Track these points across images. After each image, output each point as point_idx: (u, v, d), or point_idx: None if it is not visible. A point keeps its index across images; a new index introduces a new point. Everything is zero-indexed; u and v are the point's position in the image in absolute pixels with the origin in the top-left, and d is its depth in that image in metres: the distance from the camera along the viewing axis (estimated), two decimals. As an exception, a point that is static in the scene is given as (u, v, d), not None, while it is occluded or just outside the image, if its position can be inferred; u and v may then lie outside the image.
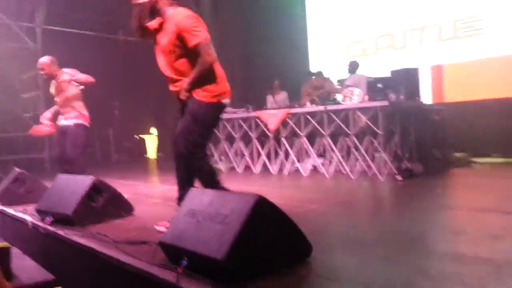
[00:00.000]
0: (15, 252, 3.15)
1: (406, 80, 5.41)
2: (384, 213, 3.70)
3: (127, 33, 10.19)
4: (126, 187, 5.16)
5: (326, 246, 2.47)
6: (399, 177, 4.86)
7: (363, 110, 5.15)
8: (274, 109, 6.27)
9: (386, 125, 5.09)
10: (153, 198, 4.63)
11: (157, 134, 12.13)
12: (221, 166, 7.08)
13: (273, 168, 6.34)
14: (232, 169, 6.96)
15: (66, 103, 4.70)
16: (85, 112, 4.72)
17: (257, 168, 6.56)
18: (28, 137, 9.04)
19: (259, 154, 6.56)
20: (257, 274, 1.92)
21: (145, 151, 12.02)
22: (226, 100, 3.02)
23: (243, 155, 6.81)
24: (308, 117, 5.77)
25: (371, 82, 5.58)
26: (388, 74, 6.06)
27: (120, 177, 6.65)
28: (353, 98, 5.19)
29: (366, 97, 5.15)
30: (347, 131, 5.37)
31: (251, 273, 1.90)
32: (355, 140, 5.29)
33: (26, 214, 3.79)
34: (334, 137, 5.79)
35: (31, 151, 9.12)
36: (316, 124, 5.67)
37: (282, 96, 7.66)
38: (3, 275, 2.20)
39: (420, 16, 7.76)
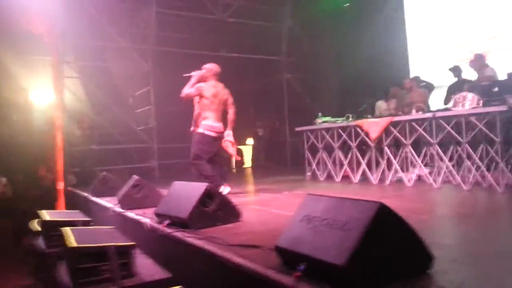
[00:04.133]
0: (136, 251, 3.45)
1: (528, 82, 4.90)
2: (507, 225, 3.36)
3: (229, 50, 10.71)
4: (228, 194, 5.36)
5: (445, 258, 2.31)
6: (520, 188, 4.41)
7: (477, 116, 4.76)
8: (379, 117, 6.07)
9: (505, 132, 4.64)
10: (254, 205, 4.75)
11: (253, 144, 12.48)
12: (318, 174, 7.06)
13: (374, 178, 6.13)
14: (330, 178, 6.88)
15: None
16: None
17: (356, 177, 6.40)
18: (140, 148, 9.92)
19: (358, 163, 6.40)
20: (377, 284, 1.86)
21: (242, 161, 12.41)
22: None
23: (342, 164, 6.69)
24: (414, 124, 5.49)
25: (486, 86, 5.15)
26: (503, 77, 5.57)
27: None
28: (466, 103, 4.83)
29: (481, 102, 4.75)
30: (459, 139, 4.99)
31: (371, 282, 1.85)
32: (469, 148, 4.90)
33: (145, 217, 4.14)
34: (442, 145, 5.43)
35: (142, 161, 9.95)
36: (423, 132, 5.37)
37: (393, 103, 7.39)
38: None
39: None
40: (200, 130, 5.15)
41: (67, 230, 3.35)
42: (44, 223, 4.34)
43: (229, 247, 2.75)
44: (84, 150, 8.96)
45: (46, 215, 4.43)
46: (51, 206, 7.86)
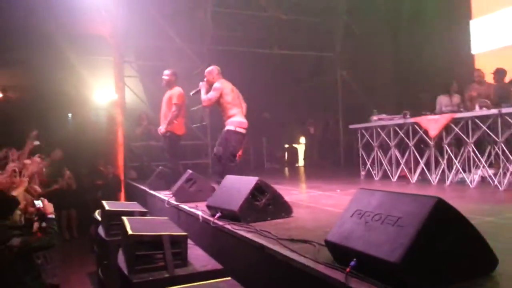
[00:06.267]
0: (189, 242, 3.53)
1: None
2: None
3: (282, 47, 10.69)
4: (280, 191, 5.35)
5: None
6: None
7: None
8: (442, 113, 5.78)
9: None
10: (306, 202, 4.70)
11: (305, 143, 12.38)
12: (373, 174, 6.87)
13: (433, 178, 5.84)
14: (385, 178, 6.66)
15: None
16: None
17: (414, 177, 6.13)
18: (195, 144, 10.16)
19: (416, 163, 6.14)
20: (433, 283, 1.76)
21: (296, 160, 12.34)
22: None
23: (398, 164, 6.45)
24: (478, 121, 5.17)
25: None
26: None
27: (273, 183, 6.92)
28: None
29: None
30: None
31: (426, 281, 1.76)
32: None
33: (197, 209, 4.23)
34: (509, 144, 5.07)
35: (196, 157, 10.19)
36: (487, 130, 5.04)
37: (457, 99, 6.93)
38: None
39: None
40: (230, 127, 4.98)
41: (125, 219, 3.50)
42: (105, 213, 4.56)
43: (279, 241, 2.74)
44: (142, 145, 9.32)
45: (106, 205, 4.64)
46: (114, 197, 8.29)
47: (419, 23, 9.67)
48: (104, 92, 11.18)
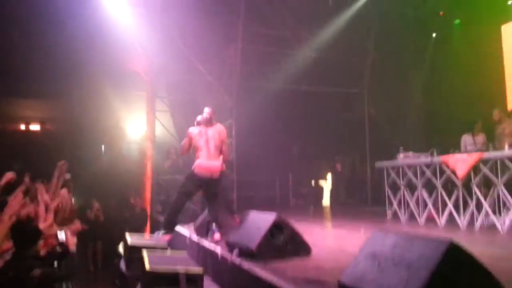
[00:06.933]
0: (206, 280, 3.52)
1: None
2: None
3: (310, 84, 10.81)
4: (302, 229, 5.28)
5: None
6: None
7: None
8: (467, 152, 5.63)
9: None
10: (327, 241, 4.61)
11: (331, 180, 12.22)
12: (400, 215, 6.67)
13: (462, 221, 5.62)
14: (413, 219, 6.45)
15: None
16: None
17: (442, 220, 5.92)
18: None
19: (444, 204, 5.93)
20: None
21: (322, 197, 12.16)
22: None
23: (425, 205, 6.25)
24: (507, 162, 5.00)
25: None
26: None
27: (297, 220, 6.83)
28: None
29: None
30: None
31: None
32: None
33: (217, 246, 4.23)
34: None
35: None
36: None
37: (481, 138, 6.64)
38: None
39: None
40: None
41: (145, 254, 3.54)
42: (126, 246, 4.62)
43: (294, 281, 2.71)
44: (169, 179, 9.45)
45: (129, 238, 4.71)
46: (140, 230, 8.37)
47: (449, 59, 9.63)
48: (136, 126, 11.54)
